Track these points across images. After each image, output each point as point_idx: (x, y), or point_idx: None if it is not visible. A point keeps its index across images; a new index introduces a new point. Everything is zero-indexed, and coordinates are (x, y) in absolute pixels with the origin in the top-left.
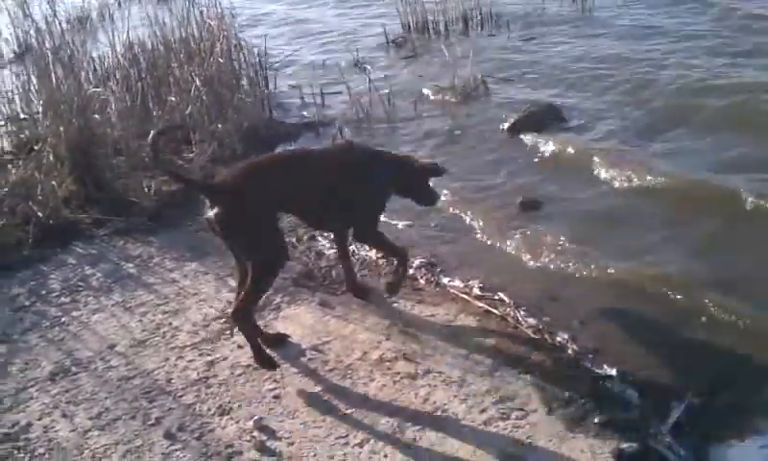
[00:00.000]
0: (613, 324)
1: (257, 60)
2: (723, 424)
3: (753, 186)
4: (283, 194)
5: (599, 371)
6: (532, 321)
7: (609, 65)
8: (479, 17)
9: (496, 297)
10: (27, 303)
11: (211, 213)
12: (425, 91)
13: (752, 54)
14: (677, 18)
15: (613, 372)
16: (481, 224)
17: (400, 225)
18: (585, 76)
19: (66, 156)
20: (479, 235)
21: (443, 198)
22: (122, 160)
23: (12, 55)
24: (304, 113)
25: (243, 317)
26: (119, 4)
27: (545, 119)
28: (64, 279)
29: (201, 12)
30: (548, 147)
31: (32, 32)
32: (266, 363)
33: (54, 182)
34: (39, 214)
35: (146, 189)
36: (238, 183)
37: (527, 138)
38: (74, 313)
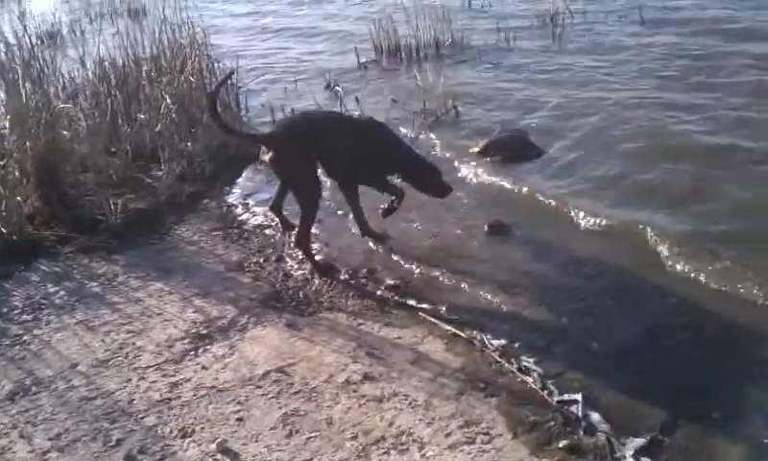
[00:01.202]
0: (579, 347)
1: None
2: (689, 452)
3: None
4: (317, 148)
5: (564, 395)
6: (498, 343)
7: (579, 91)
8: (450, 42)
9: (463, 319)
10: None
11: (266, 157)
12: (397, 114)
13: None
14: (649, 38)
15: (578, 396)
16: (449, 247)
17: (366, 248)
18: (554, 101)
19: (32, 172)
20: (447, 258)
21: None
22: (89, 177)
23: None
24: None
25: (302, 239)
26: (90, 20)
27: (515, 144)
28: (27, 296)
29: (172, 31)
30: (517, 172)
31: (1, 46)
32: (326, 271)
33: (19, 198)
34: (3, 230)
35: (112, 207)
36: (283, 136)
37: (496, 163)
38: (36, 331)
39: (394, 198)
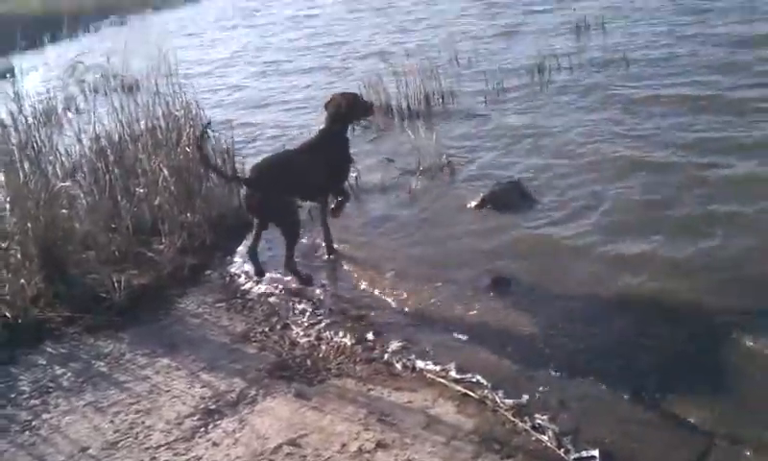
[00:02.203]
0: (592, 402)
1: (225, 147)
2: None
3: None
4: (287, 185)
5: (581, 452)
6: (510, 402)
7: (570, 140)
8: (441, 98)
9: (474, 379)
10: None
11: (243, 193)
12: (393, 173)
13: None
14: (636, 86)
15: (595, 452)
16: (453, 304)
17: (372, 313)
18: (548, 152)
19: (34, 253)
20: (452, 316)
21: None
22: (91, 255)
23: None
24: None
25: (289, 263)
26: (84, 96)
27: (511, 197)
28: (34, 380)
29: (166, 103)
30: (515, 226)
31: None
32: (308, 281)
33: (22, 281)
34: (7, 314)
35: (115, 284)
36: (254, 178)
37: (494, 217)
38: (44, 416)
39: (341, 198)
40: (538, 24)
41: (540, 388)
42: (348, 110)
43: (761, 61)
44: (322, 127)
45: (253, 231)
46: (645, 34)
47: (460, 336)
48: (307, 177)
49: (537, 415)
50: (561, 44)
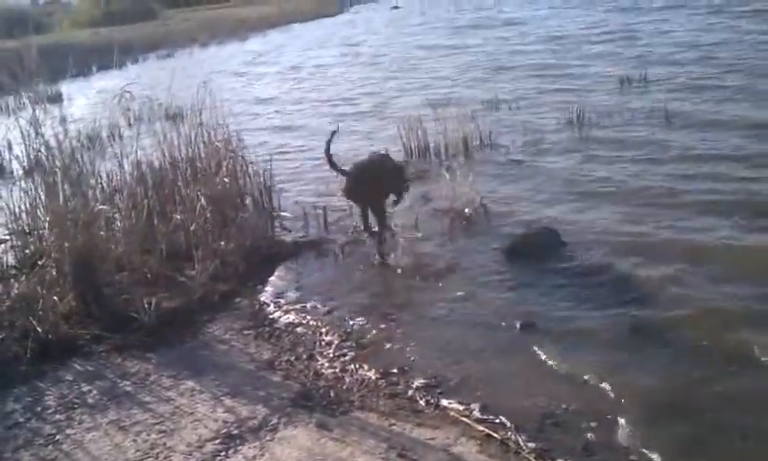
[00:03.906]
0: (616, 449)
1: (262, 179)
2: None
3: None
4: (368, 184)
5: None
6: (533, 445)
7: (606, 188)
8: (479, 141)
9: (497, 420)
10: (21, 420)
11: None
12: (427, 213)
13: None
14: (676, 138)
15: None
16: (481, 345)
17: (398, 349)
18: (583, 201)
19: (69, 271)
20: (479, 356)
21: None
22: (124, 276)
23: (21, 171)
24: (306, 232)
25: (381, 236)
26: (129, 123)
27: (545, 241)
28: (60, 395)
29: (208, 134)
30: (546, 271)
31: (42, 149)
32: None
33: (55, 298)
34: (39, 329)
35: (146, 306)
36: (351, 174)
37: (526, 262)
38: (68, 431)
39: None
40: (580, 76)
41: (564, 433)
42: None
43: None
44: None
45: (360, 214)
46: (686, 89)
47: (486, 377)
48: (384, 176)
49: (560, 460)
50: (602, 96)
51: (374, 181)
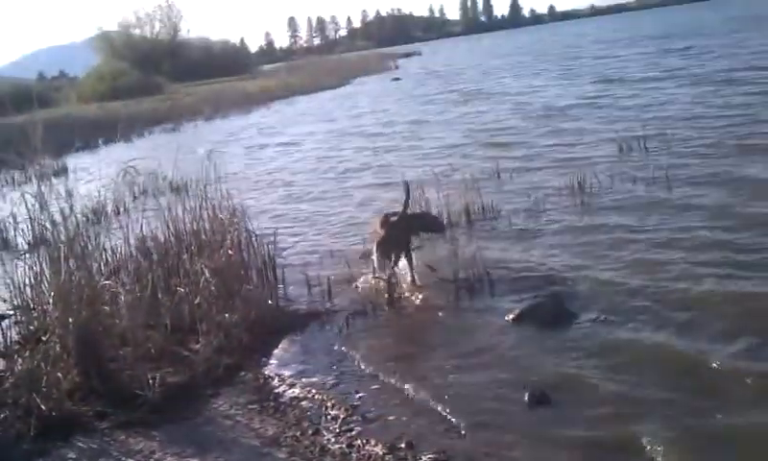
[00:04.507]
0: None
1: (267, 250)
2: None
3: None
4: (399, 237)
5: None
6: None
7: (611, 255)
8: (481, 209)
9: None
10: None
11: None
12: (430, 283)
13: None
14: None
15: None
16: (489, 418)
17: (405, 423)
18: (587, 269)
19: (73, 346)
20: (487, 430)
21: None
22: (128, 351)
23: (26, 246)
24: (311, 303)
25: (413, 278)
26: (134, 197)
27: (550, 311)
28: None
29: (212, 207)
30: (553, 340)
31: (47, 224)
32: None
33: (59, 374)
34: (42, 406)
35: (150, 381)
36: (384, 231)
37: (532, 331)
38: None
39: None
40: (580, 141)
41: None
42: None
43: None
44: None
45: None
46: (687, 154)
47: (495, 451)
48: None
49: None
50: (602, 162)
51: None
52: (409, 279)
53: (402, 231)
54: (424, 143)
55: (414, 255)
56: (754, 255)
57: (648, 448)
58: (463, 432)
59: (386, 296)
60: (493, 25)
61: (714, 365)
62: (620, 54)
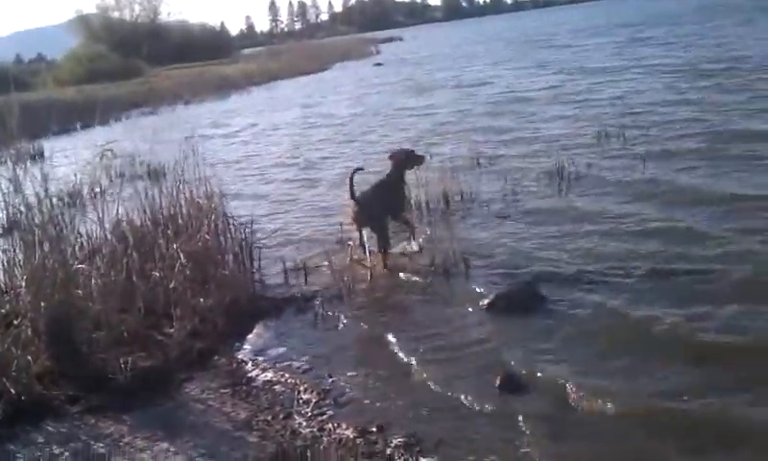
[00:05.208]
0: None
1: (244, 236)
2: None
3: None
4: (379, 205)
5: None
6: None
7: (586, 242)
8: (459, 196)
9: None
10: None
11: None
12: (406, 268)
13: None
14: (655, 190)
15: None
16: (459, 402)
17: (377, 407)
18: (564, 254)
19: (44, 330)
20: (458, 413)
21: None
22: (101, 335)
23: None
24: (287, 288)
25: (384, 258)
26: (110, 180)
27: (524, 296)
28: (32, 458)
29: (190, 191)
30: (526, 327)
31: (21, 208)
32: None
33: (29, 358)
34: (12, 390)
35: (123, 365)
36: (359, 201)
37: (506, 317)
38: None
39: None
40: (559, 131)
41: None
42: (406, 161)
43: None
44: (388, 171)
45: (358, 236)
46: (663, 140)
47: (465, 435)
48: (385, 201)
49: None
50: (580, 150)
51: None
52: (381, 261)
53: (377, 200)
54: (407, 129)
55: (388, 238)
56: (732, 244)
57: (617, 428)
58: (434, 416)
59: (361, 281)
60: (475, 11)
61: (684, 341)
62: (587, 43)
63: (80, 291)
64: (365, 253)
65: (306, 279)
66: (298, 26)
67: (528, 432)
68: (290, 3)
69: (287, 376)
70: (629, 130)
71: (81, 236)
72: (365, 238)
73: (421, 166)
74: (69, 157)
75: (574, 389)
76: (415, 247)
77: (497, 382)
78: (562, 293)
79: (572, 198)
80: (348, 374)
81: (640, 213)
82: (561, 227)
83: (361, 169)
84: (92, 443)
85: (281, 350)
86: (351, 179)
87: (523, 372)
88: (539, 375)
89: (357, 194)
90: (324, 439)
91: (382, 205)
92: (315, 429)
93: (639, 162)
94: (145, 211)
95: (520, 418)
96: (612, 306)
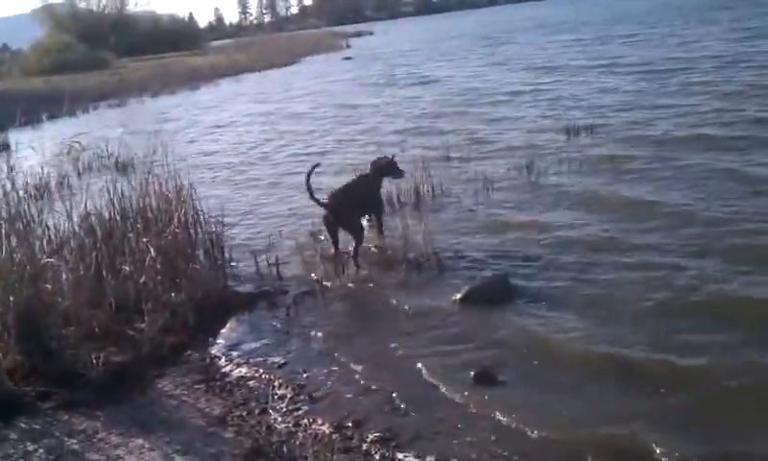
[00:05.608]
0: None
1: (214, 229)
2: None
3: None
4: (352, 205)
5: None
6: None
7: (557, 234)
8: (431, 190)
9: None
10: None
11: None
12: (379, 263)
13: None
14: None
15: None
16: (435, 396)
17: (352, 402)
18: (535, 248)
19: (13, 325)
20: (433, 408)
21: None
22: (71, 330)
23: None
24: (259, 283)
25: (355, 259)
26: (78, 174)
27: (497, 289)
28: (4, 455)
29: (159, 184)
30: (499, 320)
31: None
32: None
33: None
34: None
35: (94, 361)
36: (331, 202)
37: (478, 310)
38: None
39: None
40: (529, 125)
41: None
42: (386, 167)
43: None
44: (366, 172)
45: (332, 242)
46: (633, 139)
47: (441, 428)
48: (358, 200)
49: None
50: (551, 145)
51: (350, 204)
52: (353, 258)
53: (349, 200)
54: (380, 127)
55: (363, 234)
56: (704, 239)
57: (590, 425)
58: (409, 411)
59: (334, 276)
60: (444, 6)
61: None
62: (558, 39)
63: (48, 286)
64: (336, 249)
65: (279, 274)
66: (267, 19)
67: (503, 424)
68: None
69: (261, 371)
70: (598, 127)
71: (48, 230)
72: (337, 236)
73: (398, 178)
74: (36, 149)
75: (546, 383)
76: (379, 242)
77: (471, 375)
78: (533, 286)
79: (541, 192)
80: (323, 369)
81: (612, 197)
82: (530, 221)
83: (318, 165)
84: (66, 439)
85: (255, 345)
86: (309, 177)
87: (498, 365)
88: (513, 367)
89: (331, 193)
90: (300, 434)
91: (354, 203)
92: (291, 425)
93: (609, 159)
94: (114, 204)
95: (496, 411)
96: (586, 295)
